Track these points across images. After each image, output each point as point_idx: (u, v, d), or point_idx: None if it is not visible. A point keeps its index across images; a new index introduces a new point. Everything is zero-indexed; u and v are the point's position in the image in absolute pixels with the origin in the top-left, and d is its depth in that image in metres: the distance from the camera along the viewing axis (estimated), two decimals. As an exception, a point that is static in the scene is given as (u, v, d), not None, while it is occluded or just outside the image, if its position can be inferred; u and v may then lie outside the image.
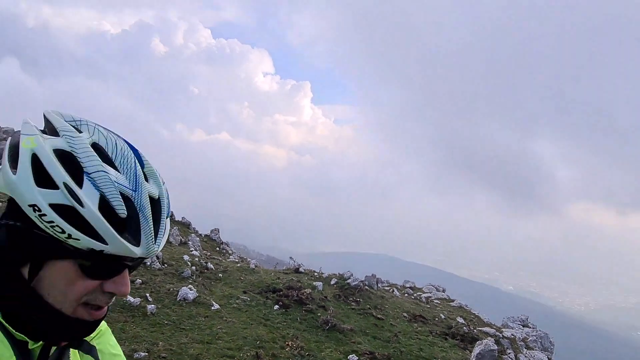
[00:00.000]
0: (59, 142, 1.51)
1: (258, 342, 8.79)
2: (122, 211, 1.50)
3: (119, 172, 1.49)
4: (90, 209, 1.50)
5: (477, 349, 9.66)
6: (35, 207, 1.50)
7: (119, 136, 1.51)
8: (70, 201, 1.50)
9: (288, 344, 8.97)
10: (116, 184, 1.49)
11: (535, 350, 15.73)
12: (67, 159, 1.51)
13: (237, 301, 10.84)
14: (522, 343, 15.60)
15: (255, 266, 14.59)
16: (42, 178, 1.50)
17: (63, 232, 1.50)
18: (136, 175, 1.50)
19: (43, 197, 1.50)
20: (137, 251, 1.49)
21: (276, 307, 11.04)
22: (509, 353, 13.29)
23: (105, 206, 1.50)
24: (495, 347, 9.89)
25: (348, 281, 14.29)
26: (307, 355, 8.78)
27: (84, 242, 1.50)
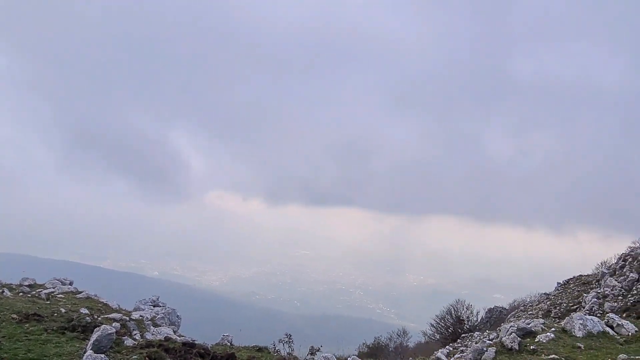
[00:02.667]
0: None
1: None
2: None
3: None
4: None
5: (94, 336, 9.54)
6: None
7: None
8: None
9: None
10: None
11: (163, 326, 16.87)
12: None
13: None
14: (150, 322, 16.42)
15: None
16: None
17: None
18: None
19: None
20: None
21: None
22: (135, 333, 13.74)
23: None
24: (113, 330, 10.03)
25: None
26: None
27: None
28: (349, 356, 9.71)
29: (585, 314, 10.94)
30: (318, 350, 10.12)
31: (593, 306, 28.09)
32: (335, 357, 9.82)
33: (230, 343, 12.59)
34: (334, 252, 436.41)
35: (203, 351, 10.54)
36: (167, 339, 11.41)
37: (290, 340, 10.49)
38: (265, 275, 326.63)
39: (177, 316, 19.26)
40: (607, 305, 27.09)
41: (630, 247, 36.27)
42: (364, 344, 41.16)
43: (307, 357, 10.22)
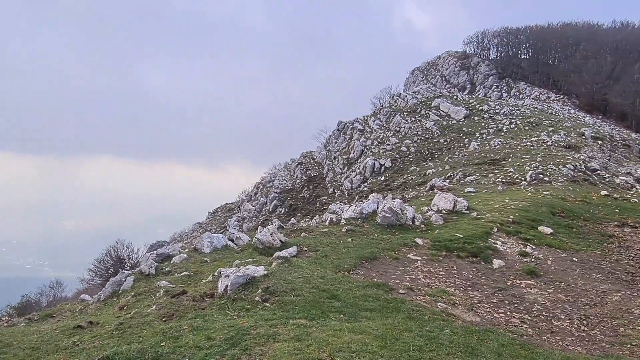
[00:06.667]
0: None
1: None
2: None
3: None
4: None
5: None
6: None
7: None
8: None
9: None
10: None
11: None
12: None
13: None
14: None
15: None
16: None
17: None
18: None
19: None
20: None
21: None
22: None
23: None
24: None
25: None
26: None
27: None
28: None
29: (218, 233, 12.83)
30: None
31: (235, 228, 33.30)
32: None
33: None
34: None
35: None
36: None
37: None
38: None
39: None
40: (245, 226, 32.68)
41: (262, 177, 44.47)
42: (8, 306, 35.77)
43: None
